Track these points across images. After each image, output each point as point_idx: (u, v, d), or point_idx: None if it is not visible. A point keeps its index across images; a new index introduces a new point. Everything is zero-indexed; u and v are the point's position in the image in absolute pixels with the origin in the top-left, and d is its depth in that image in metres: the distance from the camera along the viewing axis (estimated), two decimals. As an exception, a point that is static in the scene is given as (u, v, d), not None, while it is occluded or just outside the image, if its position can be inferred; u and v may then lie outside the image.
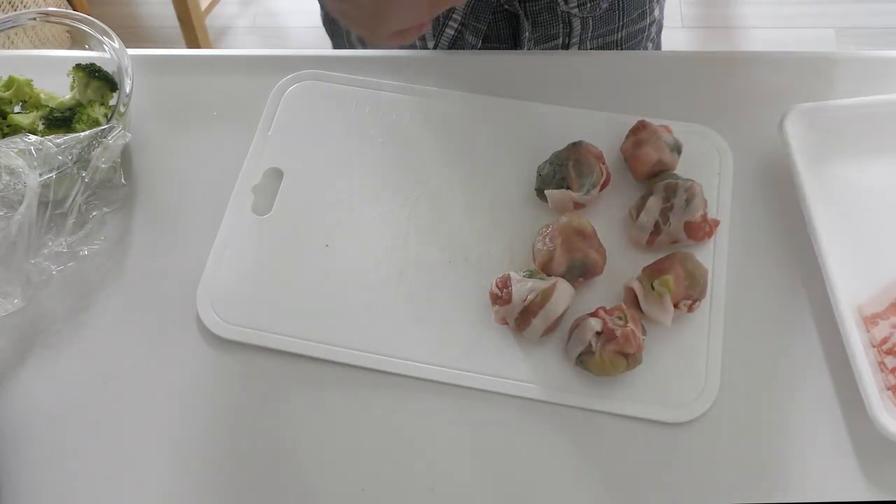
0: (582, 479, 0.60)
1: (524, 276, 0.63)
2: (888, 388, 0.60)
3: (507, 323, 0.64)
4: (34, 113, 0.73)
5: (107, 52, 0.74)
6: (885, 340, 0.62)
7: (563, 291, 0.62)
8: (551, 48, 0.83)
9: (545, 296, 0.62)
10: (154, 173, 0.74)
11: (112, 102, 0.74)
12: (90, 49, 0.75)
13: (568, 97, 0.76)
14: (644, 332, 0.62)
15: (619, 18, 0.84)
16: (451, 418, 0.62)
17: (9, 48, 0.77)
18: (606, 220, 0.69)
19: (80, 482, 0.61)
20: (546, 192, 0.68)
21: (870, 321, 0.63)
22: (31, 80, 0.75)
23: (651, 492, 0.59)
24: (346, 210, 0.71)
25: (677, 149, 0.70)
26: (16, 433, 0.62)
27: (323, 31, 0.99)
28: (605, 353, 0.60)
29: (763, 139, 0.73)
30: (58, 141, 0.66)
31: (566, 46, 0.83)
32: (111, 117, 0.70)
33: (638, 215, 0.67)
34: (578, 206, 0.68)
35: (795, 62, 0.79)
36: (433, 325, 0.65)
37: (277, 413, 0.63)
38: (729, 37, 2.09)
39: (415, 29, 0.56)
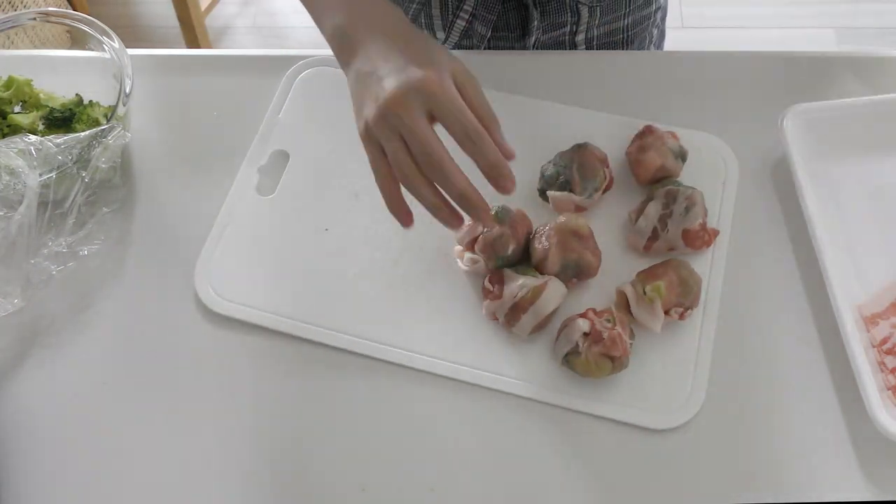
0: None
1: (517, 273, 0.63)
2: (888, 388, 0.60)
3: (496, 318, 0.64)
4: (34, 113, 0.73)
5: (107, 52, 0.74)
6: (885, 340, 0.62)
7: (555, 290, 0.62)
8: (559, 36, 0.84)
9: (536, 293, 0.62)
10: (154, 173, 0.74)
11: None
12: (90, 49, 0.75)
13: (576, 97, 0.76)
14: (632, 337, 0.62)
15: (625, 5, 0.84)
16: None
17: (9, 48, 0.77)
18: (606, 222, 0.69)
19: (80, 481, 0.61)
20: (548, 193, 0.68)
21: (870, 321, 0.63)
22: (31, 80, 0.75)
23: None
24: (348, 196, 0.71)
25: (682, 156, 0.69)
26: (16, 432, 0.62)
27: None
28: (590, 354, 0.60)
29: (763, 139, 0.73)
30: (58, 141, 0.66)
31: (574, 34, 0.84)
32: (111, 117, 0.70)
33: (637, 220, 0.67)
34: (580, 209, 0.68)
35: (795, 62, 0.79)
36: (426, 315, 0.65)
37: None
38: (729, 37, 2.09)
39: None
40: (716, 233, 0.67)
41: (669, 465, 0.60)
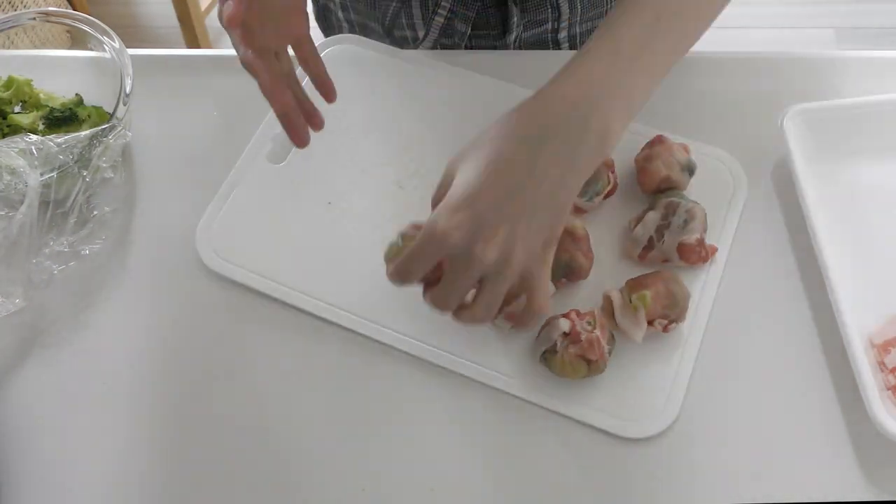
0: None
1: None
2: (888, 388, 0.60)
3: None
4: (34, 113, 0.73)
5: (107, 52, 0.74)
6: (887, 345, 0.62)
7: None
8: (541, 33, 0.84)
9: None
10: (154, 173, 0.74)
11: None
12: (90, 49, 0.75)
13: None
14: (612, 342, 0.62)
15: (606, 2, 0.84)
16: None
17: (9, 48, 0.77)
18: (606, 227, 0.69)
19: (80, 481, 0.61)
20: None
21: (882, 349, 0.62)
22: (31, 80, 0.75)
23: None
24: (357, 172, 0.72)
25: (689, 169, 0.69)
26: (17, 432, 0.62)
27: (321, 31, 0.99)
28: (567, 354, 0.60)
29: (763, 139, 0.73)
30: (58, 140, 0.67)
31: (556, 31, 0.84)
32: (111, 117, 0.70)
33: (635, 227, 0.67)
34: (580, 211, 0.68)
35: (795, 62, 0.79)
36: (418, 297, 0.65)
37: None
38: (729, 37, 2.09)
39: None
40: (714, 250, 0.67)
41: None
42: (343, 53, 0.80)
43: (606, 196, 0.68)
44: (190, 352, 0.65)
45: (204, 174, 0.73)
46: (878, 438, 0.58)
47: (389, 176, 0.72)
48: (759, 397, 0.62)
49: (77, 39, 0.76)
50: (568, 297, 0.66)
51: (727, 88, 0.77)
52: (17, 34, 0.77)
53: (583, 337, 0.59)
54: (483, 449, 0.61)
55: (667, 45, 0.57)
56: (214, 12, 2.06)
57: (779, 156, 0.72)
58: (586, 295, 0.66)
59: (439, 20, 0.81)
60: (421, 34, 0.83)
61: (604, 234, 0.68)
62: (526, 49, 0.85)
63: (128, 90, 0.71)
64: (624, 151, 0.71)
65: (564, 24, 0.83)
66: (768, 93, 0.76)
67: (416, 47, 0.83)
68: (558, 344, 0.60)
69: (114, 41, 0.74)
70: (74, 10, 1.06)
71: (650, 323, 0.62)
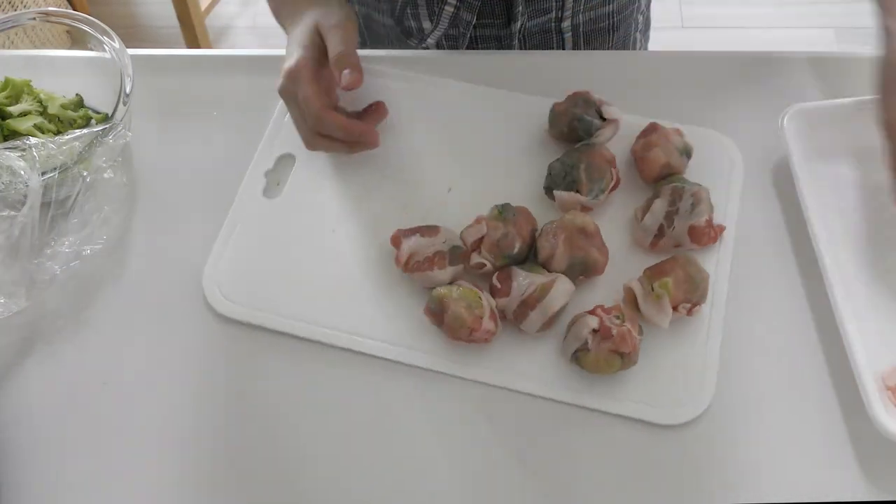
0: (573, 475, 0.60)
1: (525, 271, 0.63)
2: (888, 388, 0.60)
3: (505, 317, 0.64)
4: (34, 113, 0.73)
5: (107, 52, 0.74)
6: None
7: (562, 287, 0.62)
8: (545, 22, 0.84)
9: (543, 290, 0.62)
10: (155, 172, 0.74)
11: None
12: (90, 49, 0.75)
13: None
14: (641, 333, 0.62)
15: None
16: (457, 410, 0.62)
17: (8, 48, 0.77)
18: (613, 220, 0.69)
19: (80, 481, 0.61)
20: (555, 192, 0.68)
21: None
22: (30, 81, 0.75)
23: (642, 491, 0.59)
24: (354, 198, 0.72)
25: (686, 152, 0.69)
26: (18, 431, 0.62)
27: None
28: (600, 350, 0.60)
29: (763, 139, 0.73)
30: (59, 141, 0.67)
31: (559, 20, 0.84)
32: (111, 117, 0.70)
33: (643, 217, 0.67)
34: (586, 209, 0.68)
35: (795, 62, 0.79)
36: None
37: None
38: (729, 37, 2.09)
39: None
40: (722, 229, 0.67)
41: (676, 461, 0.60)
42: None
43: (611, 191, 0.69)
44: (190, 351, 0.65)
45: (204, 173, 0.73)
46: (878, 438, 0.58)
47: (386, 198, 0.72)
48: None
49: (77, 39, 0.76)
50: (587, 293, 0.66)
51: (727, 88, 0.77)
52: (16, 34, 0.77)
53: (614, 332, 0.59)
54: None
55: None
56: (214, 12, 2.06)
57: (779, 155, 0.72)
58: (605, 289, 0.66)
59: (449, 10, 0.81)
60: (427, 27, 0.83)
61: (611, 226, 0.69)
62: (530, 38, 0.85)
63: (128, 90, 0.71)
64: (619, 143, 0.71)
65: (568, 14, 0.84)
66: (768, 92, 0.76)
67: (423, 38, 0.84)
68: (589, 341, 0.60)
69: (114, 41, 0.74)
70: (74, 10, 1.06)
71: (674, 309, 0.62)
